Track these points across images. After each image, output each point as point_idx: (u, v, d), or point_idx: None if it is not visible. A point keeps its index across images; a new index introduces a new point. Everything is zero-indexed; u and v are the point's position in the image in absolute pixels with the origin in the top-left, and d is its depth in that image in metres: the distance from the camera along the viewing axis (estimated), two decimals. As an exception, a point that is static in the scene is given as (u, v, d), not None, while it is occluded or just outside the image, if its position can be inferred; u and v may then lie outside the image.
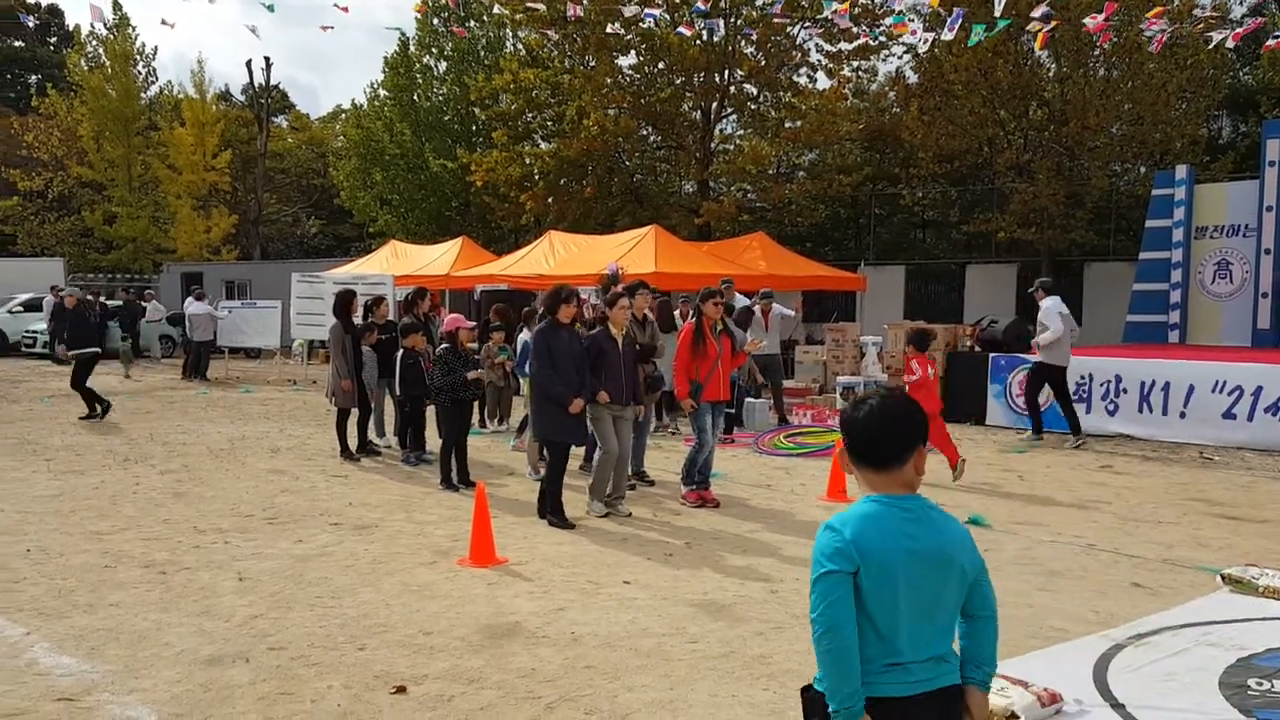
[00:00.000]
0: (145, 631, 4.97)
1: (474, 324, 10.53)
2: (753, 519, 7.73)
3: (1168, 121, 20.79)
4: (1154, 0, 16.36)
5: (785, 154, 29.22)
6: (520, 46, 30.30)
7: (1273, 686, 4.27)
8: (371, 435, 10.97)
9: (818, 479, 9.18)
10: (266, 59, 49.53)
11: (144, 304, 25.83)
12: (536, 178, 26.71)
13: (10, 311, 26.50)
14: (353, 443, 10.50)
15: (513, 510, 7.87)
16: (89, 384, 13.33)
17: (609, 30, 21.45)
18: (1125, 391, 12.25)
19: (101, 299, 26.34)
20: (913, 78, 24.81)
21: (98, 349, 13.77)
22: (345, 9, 14.64)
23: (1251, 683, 4.31)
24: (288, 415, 14.29)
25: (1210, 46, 15.93)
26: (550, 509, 7.46)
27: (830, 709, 2.21)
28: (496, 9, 29.79)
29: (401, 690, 4.20)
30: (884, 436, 2.33)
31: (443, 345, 9.25)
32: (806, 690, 2.37)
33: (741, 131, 27.71)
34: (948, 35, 14.18)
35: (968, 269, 27.23)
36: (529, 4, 22.86)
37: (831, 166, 27.98)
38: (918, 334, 9.68)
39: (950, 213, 26.66)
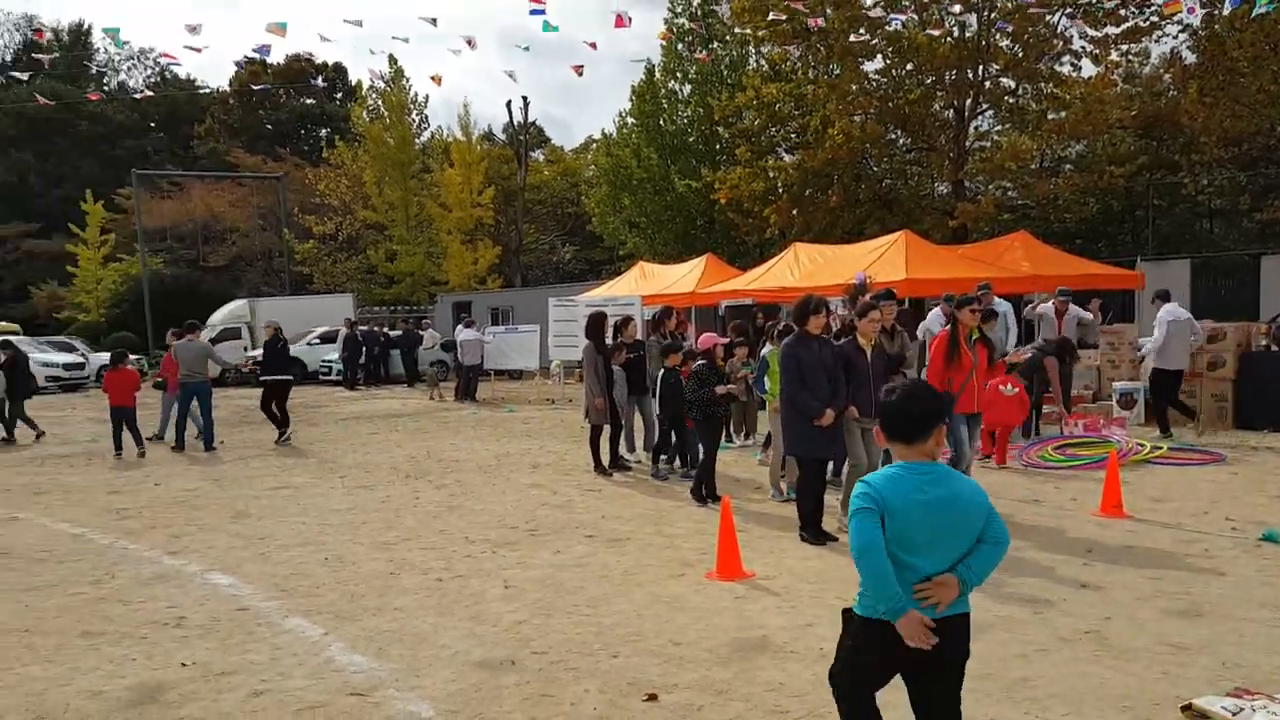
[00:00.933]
0: (424, 634, 5.39)
1: (727, 340, 10.67)
2: (1019, 536, 7.32)
3: None
4: None
5: (1049, 148, 27.64)
6: (763, 62, 30.48)
7: None
8: (622, 450, 11.33)
9: (1091, 493, 8.58)
10: (524, 99, 52.43)
11: (421, 333, 27.99)
12: (780, 190, 26.72)
13: (309, 344, 29.47)
14: (606, 458, 10.90)
15: (760, 524, 7.90)
16: (284, 408, 14.60)
17: (853, 39, 21.15)
18: None
19: (385, 329, 28.86)
20: (1190, 58, 22.79)
21: (289, 377, 15.09)
22: (593, 45, 15.30)
23: None
24: (546, 433, 15.03)
25: None
26: (802, 524, 7.41)
27: (881, 611, 2.93)
28: (738, 29, 30.12)
29: (653, 698, 4.33)
30: (909, 416, 3.00)
31: (699, 362, 9.44)
32: (847, 611, 3.12)
33: (999, 127, 26.47)
34: (1228, 8, 12.92)
35: (1263, 260, 24.59)
36: (773, 17, 22.95)
37: (1101, 157, 26.13)
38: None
39: (1240, 200, 24.15)
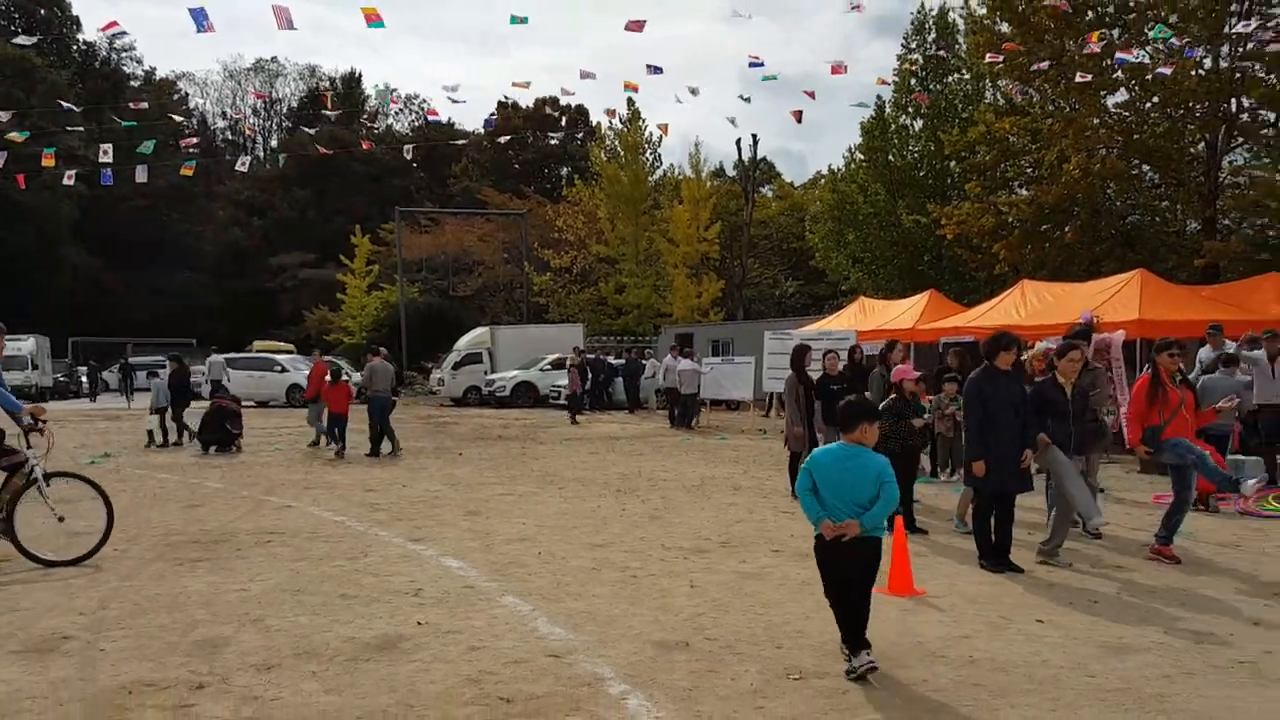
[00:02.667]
0: (615, 617, 6.16)
1: (919, 374, 10.94)
2: (1206, 574, 7.30)
3: None
4: None
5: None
6: (1000, 96, 29.98)
7: None
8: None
9: (1295, 542, 8.30)
10: (754, 136, 53.57)
11: (644, 361, 29.31)
12: (1012, 226, 26.15)
13: (540, 369, 31.46)
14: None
15: (945, 553, 8.19)
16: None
17: (1082, 78, 20.61)
18: None
19: (609, 357, 30.39)
20: None
21: (393, 398, 17.09)
22: (811, 94, 15.80)
23: None
24: (753, 460, 15.63)
25: None
26: (980, 553, 7.66)
27: (816, 529, 5.04)
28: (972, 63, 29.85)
29: (800, 677, 4.89)
30: (845, 416, 5.10)
31: (891, 395, 9.82)
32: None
33: (1257, 161, 24.78)
34: None
35: None
36: (1007, 48, 22.72)
37: (1375, 194, 23.87)
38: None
39: None
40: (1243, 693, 4.69)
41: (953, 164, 30.74)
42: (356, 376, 23.30)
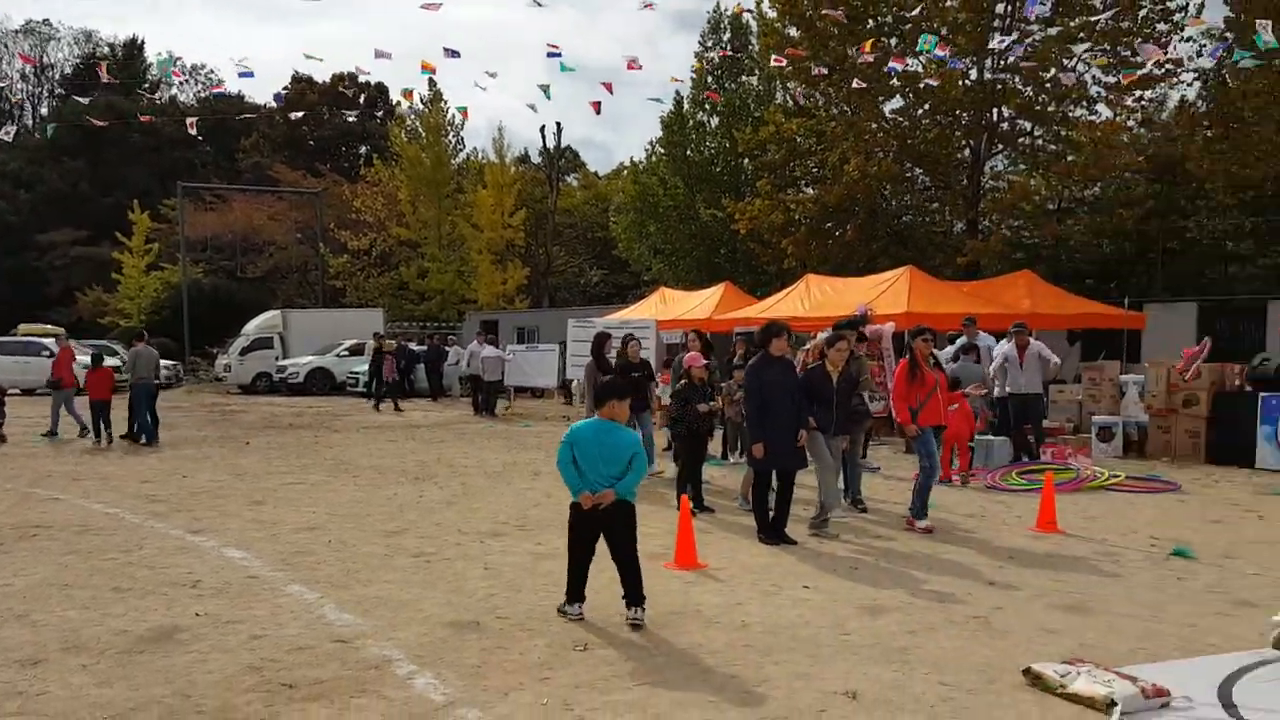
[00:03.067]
0: (407, 601, 6.21)
1: (706, 362, 11.42)
2: (951, 543, 8.07)
3: None
4: None
5: (1065, 189, 28.26)
6: (789, 98, 31.43)
7: None
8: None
9: (1035, 512, 9.25)
10: (558, 124, 53.72)
11: (447, 348, 28.98)
12: (800, 222, 27.51)
13: (337, 355, 30.56)
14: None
15: (729, 529, 8.65)
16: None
17: (859, 84, 21.91)
18: None
19: (410, 344, 29.88)
20: (1203, 106, 23.39)
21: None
22: (608, 87, 16.09)
23: (1394, 703, 4.32)
24: (555, 446, 15.77)
25: None
26: (759, 528, 8.16)
27: (574, 496, 5.72)
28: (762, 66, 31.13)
29: (585, 648, 5.13)
30: (598, 394, 5.86)
31: (681, 380, 10.21)
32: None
33: (1013, 168, 27.17)
34: (1207, 63, 13.62)
35: (1269, 305, 25.00)
36: (790, 53, 23.84)
37: (1113, 200, 26.72)
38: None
39: (1244, 245, 24.67)
40: (974, 644, 5.27)
41: (746, 161, 31.97)
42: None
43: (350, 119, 55.18)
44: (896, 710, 4.26)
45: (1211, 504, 10.10)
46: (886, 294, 18.46)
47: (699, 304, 23.38)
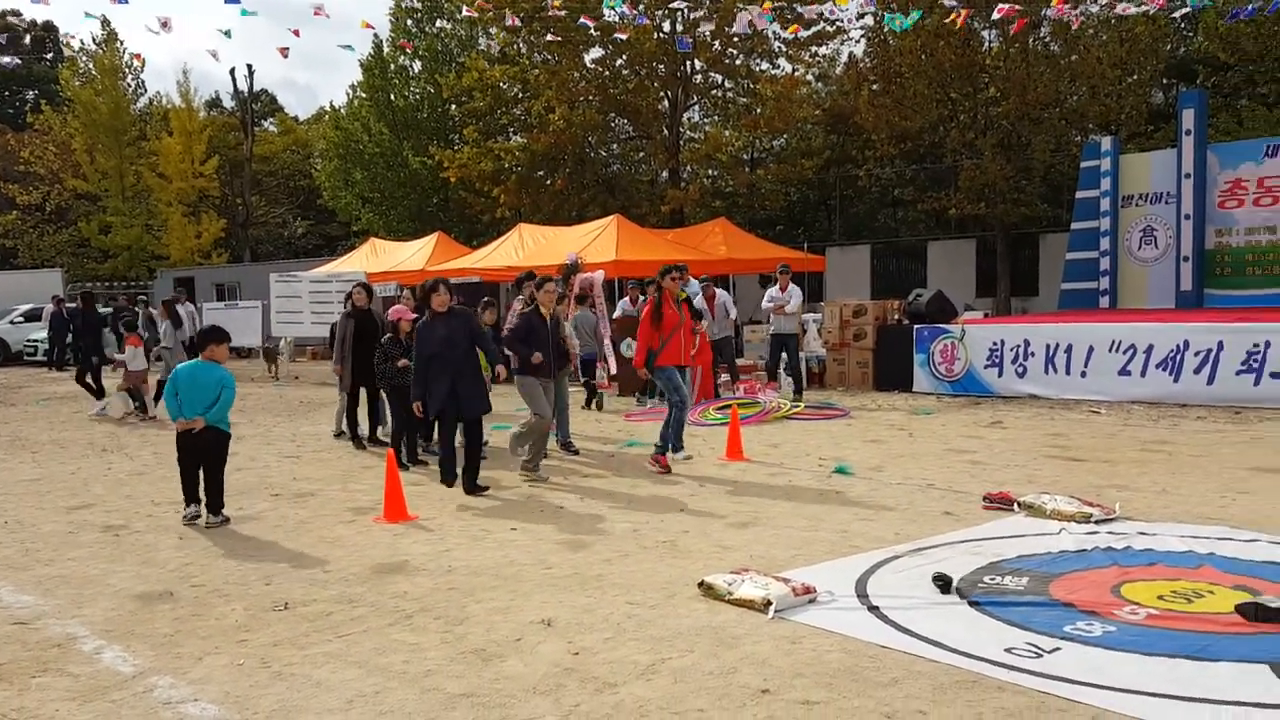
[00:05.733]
0: (93, 577, 5.93)
1: (415, 315, 11.40)
2: (650, 477, 8.67)
3: (1109, 93, 21.60)
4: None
5: (757, 139, 30.11)
6: (494, 44, 31.22)
7: (1001, 581, 5.20)
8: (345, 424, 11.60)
9: (723, 443, 10.09)
10: (249, 66, 50.46)
11: (138, 310, 26.78)
12: (510, 171, 27.63)
13: (11, 322, 27.53)
14: (363, 430, 10.95)
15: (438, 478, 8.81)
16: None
17: (553, 38, 22.21)
18: (1033, 355, 13.15)
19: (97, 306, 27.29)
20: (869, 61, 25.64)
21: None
22: (296, 33, 15.34)
23: (986, 578, 5.25)
24: (262, 408, 15.27)
25: (1137, 20, 16.59)
26: (444, 475, 8.35)
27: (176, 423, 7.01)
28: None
29: (286, 608, 5.17)
30: (199, 338, 7.41)
31: (386, 335, 10.16)
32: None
33: (709, 119, 28.61)
34: (870, 21, 15.01)
35: (929, 245, 28.11)
36: (479, 4, 23.70)
37: (796, 151, 28.84)
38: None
39: (906, 191, 27.51)
40: (661, 565, 5.79)
41: (453, 108, 31.56)
42: None
43: (15, 62, 49.08)
44: (587, 630, 4.65)
45: (873, 426, 11.42)
46: (596, 242, 19.06)
47: (412, 255, 23.06)
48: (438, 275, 21.04)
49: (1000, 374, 13.37)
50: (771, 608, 4.73)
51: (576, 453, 10.01)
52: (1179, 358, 11.89)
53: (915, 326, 14.56)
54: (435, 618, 4.96)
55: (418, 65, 33.21)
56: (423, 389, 8.13)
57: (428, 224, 30.64)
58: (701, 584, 5.17)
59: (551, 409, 9.04)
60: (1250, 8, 13.42)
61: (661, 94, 26.20)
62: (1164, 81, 26.24)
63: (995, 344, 13.47)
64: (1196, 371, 11.75)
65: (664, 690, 3.91)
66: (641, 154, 29.12)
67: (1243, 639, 4.24)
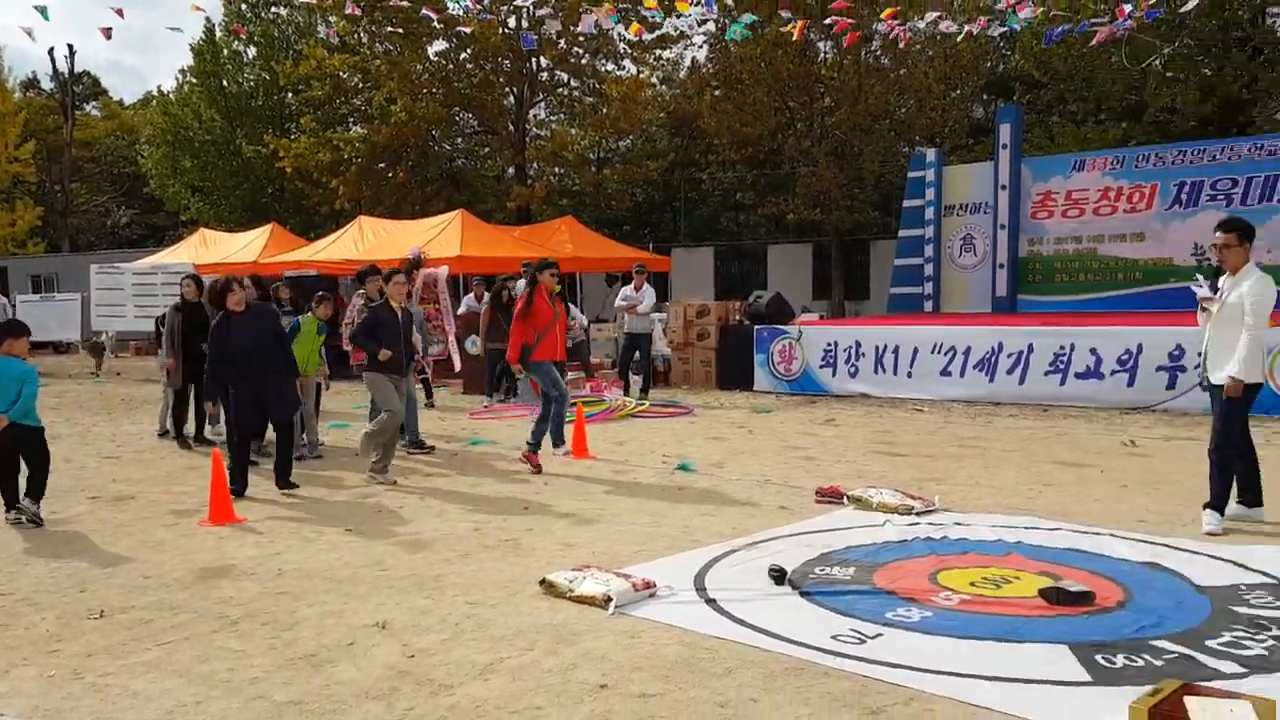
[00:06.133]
0: (-121, 592, 5.44)
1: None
2: (494, 475, 8.62)
3: (935, 107, 22.77)
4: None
5: (603, 139, 30.28)
6: (333, 32, 30.26)
7: (830, 572, 5.42)
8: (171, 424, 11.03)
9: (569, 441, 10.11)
10: (70, 46, 47.22)
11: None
12: (349, 162, 26.88)
13: None
14: (188, 429, 10.45)
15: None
16: None
17: (392, 30, 21.78)
18: (864, 356, 13.71)
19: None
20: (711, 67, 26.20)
21: None
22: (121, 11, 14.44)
23: (817, 569, 5.46)
24: (79, 406, 14.37)
25: (959, 38, 17.47)
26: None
27: None
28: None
29: (101, 615, 4.88)
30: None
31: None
32: None
33: (555, 117, 28.61)
34: (712, 27, 15.34)
35: (769, 249, 28.95)
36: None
37: (642, 152, 29.18)
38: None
39: (747, 195, 28.29)
40: (503, 564, 5.76)
41: (290, 96, 30.48)
42: None
43: None
44: (423, 632, 4.58)
45: (715, 424, 11.67)
46: (440, 237, 18.78)
47: (244, 247, 22.15)
48: (272, 268, 20.36)
49: (834, 374, 13.90)
50: (612, 603, 4.78)
51: (431, 450, 9.83)
52: (994, 359, 12.63)
53: (755, 327, 14.96)
54: (263, 623, 4.79)
55: (252, 51, 31.88)
56: (217, 390, 7.91)
57: (261, 215, 29.44)
58: (543, 582, 5.18)
59: (403, 406, 8.83)
60: (1060, 30, 14.39)
61: (507, 90, 26.03)
62: (984, 97, 27.82)
63: (830, 345, 13.99)
64: (1009, 372, 12.51)
65: (501, 689, 3.90)
66: (487, 149, 28.85)
67: (1045, 621, 4.56)
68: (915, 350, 13.25)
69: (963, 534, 6.18)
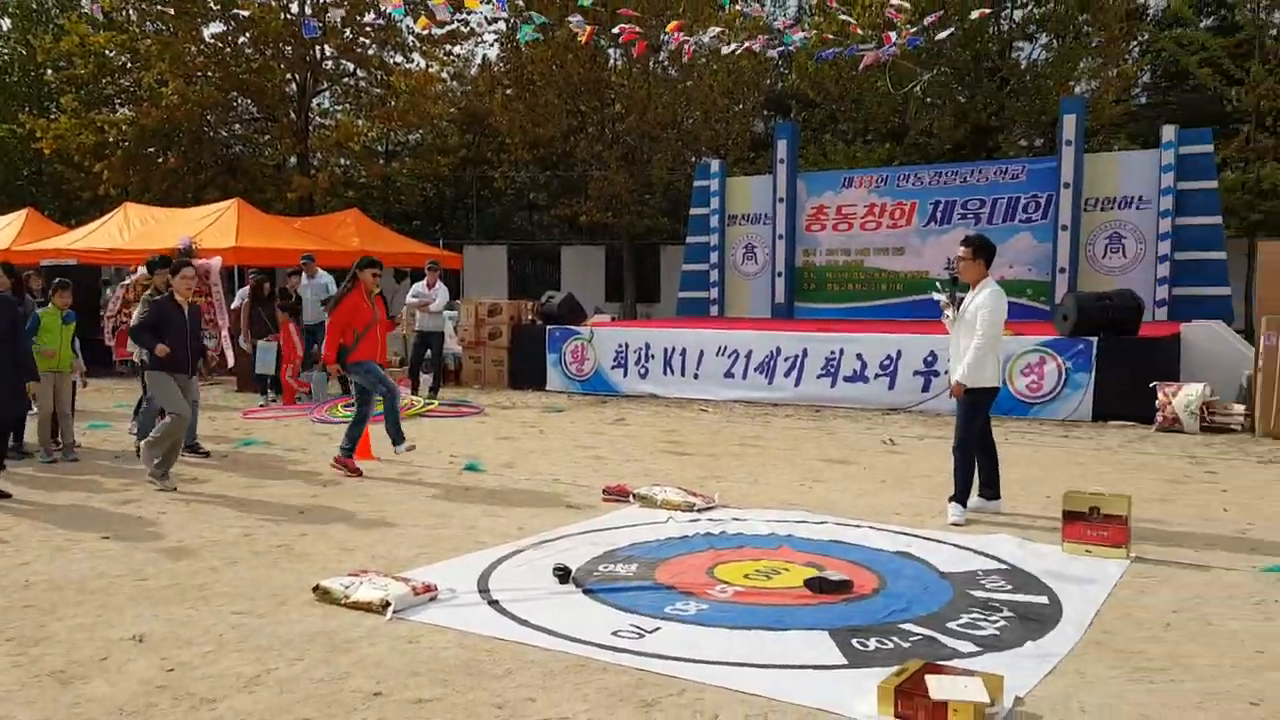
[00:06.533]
0: None
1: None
2: (270, 477, 8.27)
3: (719, 119, 23.60)
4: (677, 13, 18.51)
5: (391, 132, 29.54)
6: (98, 7, 28.02)
7: (614, 569, 5.54)
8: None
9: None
10: None
11: None
12: (115, 145, 25.01)
13: None
14: None
15: (31, 484, 7.81)
16: None
17: (163, 9, 20.53)
18: (653, 357, 14.05)
19: None
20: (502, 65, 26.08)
21: None
22: None
23: (601, 567, 5.57)
24: None
25: (738, 53, 18.16)
26: None
27: None
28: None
29: None
30: None
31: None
32: None
33: (340, 107, 27.67)
34: (489, 34, 15.28)
35: (563, 250, 29.15)
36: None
37: (432, 147, 28.69)
38: None
39: (540, 196, 28.38)
40: (274, 571, 5.53)
41: (49, 73, 28.07)
42: None
43: None
44: (185, 644, 4.34)
45: (505, 423, 11.65)
46: (214, 227, 17.83)
47: (-4, 233, 20.18)
48: (28, 256, 18.62)
49: (625, 374, 14.16)
50: (390, 608, 4.69)
51: (207, 455, 9.27)
52: (772, 363, 13.24)
53: (548, 327, 15.02)
54: (7, 639, 4.41)
55: (7, 23, 29.16)
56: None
57: (16, 199, 26.85)
58: (317, 588, 5.02)
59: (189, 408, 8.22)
60: (831, 52, 15.25)
61: (289, 76, 24.94)
62: (764, 113, 29.05)
63: (621, 346, 14.24)
64: (786, 375, 13.15)
65: (268, 702, 3.76)
66: (267, 137, 27.52)
67: (809, 609, 4.84)
68: (701, 353, 13.70)
69: (740, 529, 6.46)
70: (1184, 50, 21.58)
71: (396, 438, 8.72)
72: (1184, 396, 10.53)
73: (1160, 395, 10.68)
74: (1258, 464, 8.81)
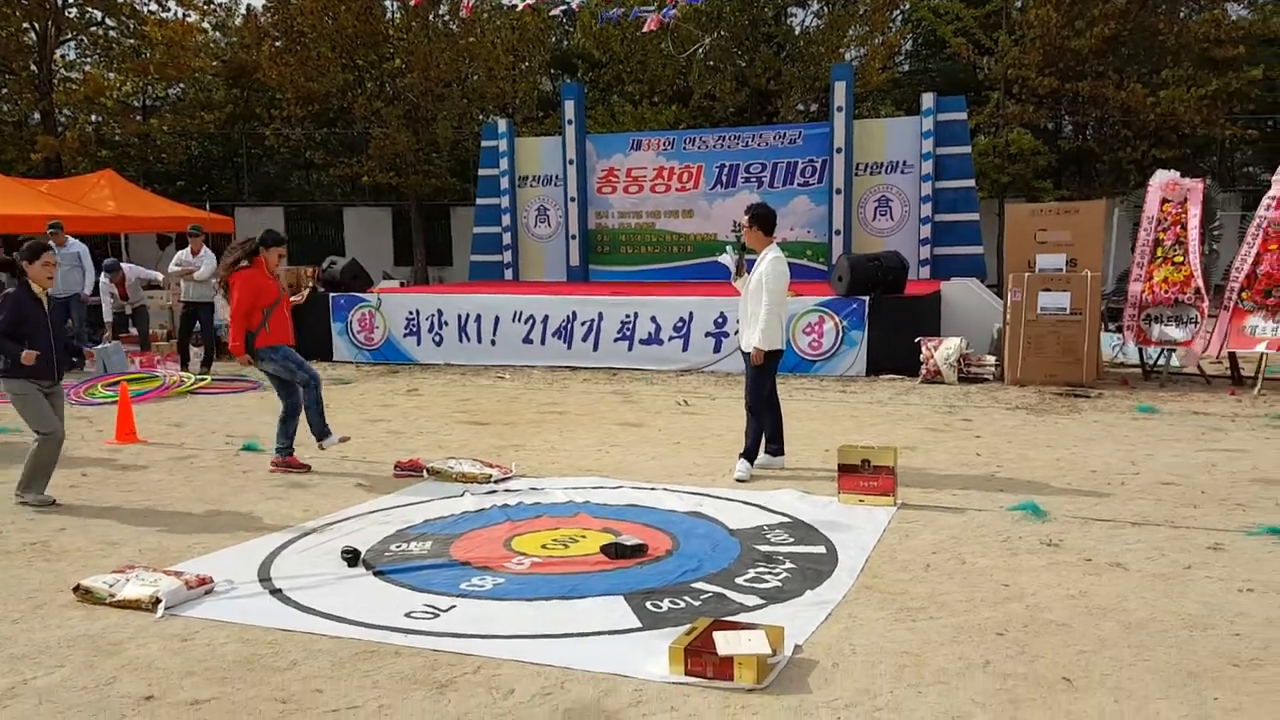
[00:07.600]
0: None
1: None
2: (16, 468, 7.53)
3: (504, 77, 23.21)
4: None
5: (148, 86, 27.38)
6: None
7: (407, 548, 5.42)
8: None
9: (113, 424, 9.12)
10: None
11: None
12: None
13: None
14: None
15: None
16: None
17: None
18: (447, 324, 13.75)
19: None
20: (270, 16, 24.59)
21: None
22: None
23: (393, 546, 5.43)
24: None
25: (516, 9, 17.77)
26: None
27: None
28: None
29: None
30: None
31: None
32: None
33: (88, 58, 25.35)
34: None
35: (345, 211, 28.01)
36: None
37: (195, 103, 26.82)
38: None
39: (317, 154, 27.06)
40: (29, 571, 5.06)
41: None
42: None
43: None
44: (-78, 664, 3.92)
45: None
46: (-61, 191, 16.03)
47: None
48: None
49: (419, 343, 13.81)
50: (161, 605, 4.40)
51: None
52: (570, 327, 13.25)
53: (332, 295, 14.41)
54: None
55: None
56: None
57: None
58: (78, 588, 4.64)
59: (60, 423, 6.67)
60: (615, 12, 15.25)
61: (26, 25, 22.59)
62: (551, 71, 28.80)
63: (412, 313, 13.86)
64: (584, 340, 13.20)
65: (26, 716, 3.45)
66: (5, 91, 24.87)
67: (605, 575, 4.90)
68: (497, 319, 13.52)
69: (537, 498, 6.46)
70: (940, 20, 22.93)
71: (323, 430, 7.61)
72: (944, 350, 11.34)
73: (924, 350, 11.46)
74: (1005, 410, 9.62)
